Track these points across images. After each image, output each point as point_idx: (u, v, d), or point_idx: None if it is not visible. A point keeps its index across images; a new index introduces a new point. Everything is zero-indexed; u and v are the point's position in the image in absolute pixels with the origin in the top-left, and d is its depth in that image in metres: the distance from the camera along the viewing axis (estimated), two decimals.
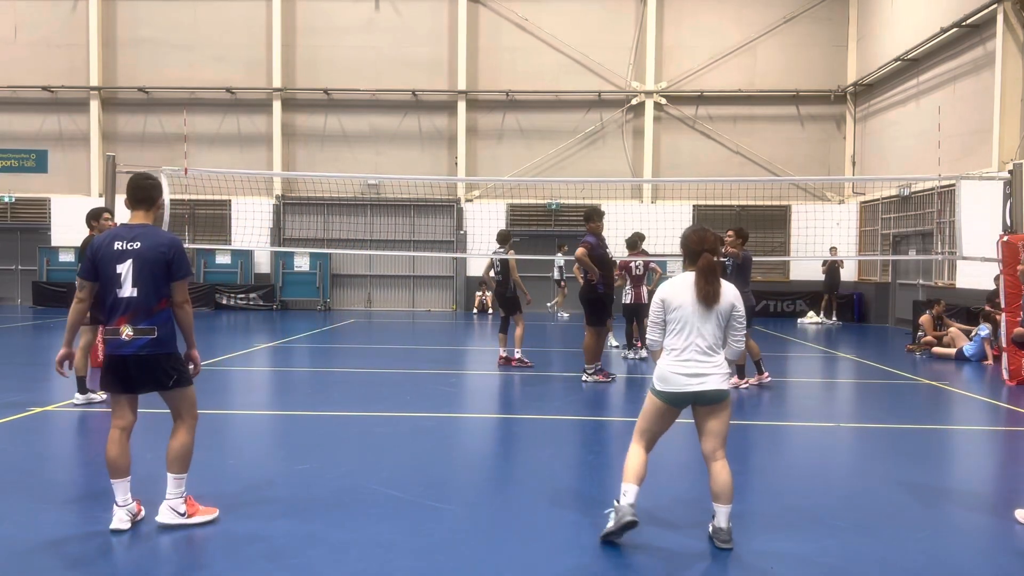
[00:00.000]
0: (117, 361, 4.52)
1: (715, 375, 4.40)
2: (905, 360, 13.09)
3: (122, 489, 4.56)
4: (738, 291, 4.55)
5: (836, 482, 5.91)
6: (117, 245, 4.53)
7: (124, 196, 4.84)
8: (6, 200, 23.20)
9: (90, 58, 22.79)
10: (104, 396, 7.82)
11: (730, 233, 9.92)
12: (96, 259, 4.55)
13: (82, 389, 8.19)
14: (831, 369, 12.77)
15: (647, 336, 4.63)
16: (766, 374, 10.00)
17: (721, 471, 4.46)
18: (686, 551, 4.45)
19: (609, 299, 10.39)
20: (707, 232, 4.49)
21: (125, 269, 4.48)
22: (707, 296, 4.36)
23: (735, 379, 9.88)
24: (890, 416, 8.68)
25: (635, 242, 12.87)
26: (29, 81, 22.80)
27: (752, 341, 9.98)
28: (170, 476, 4.63)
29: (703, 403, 4.48)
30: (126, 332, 4.48)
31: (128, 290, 4.48)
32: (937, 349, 13.38)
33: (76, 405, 8.03)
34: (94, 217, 8.17)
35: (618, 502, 4.49)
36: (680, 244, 4.59)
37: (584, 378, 10.17)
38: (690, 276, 4.46)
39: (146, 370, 4.52)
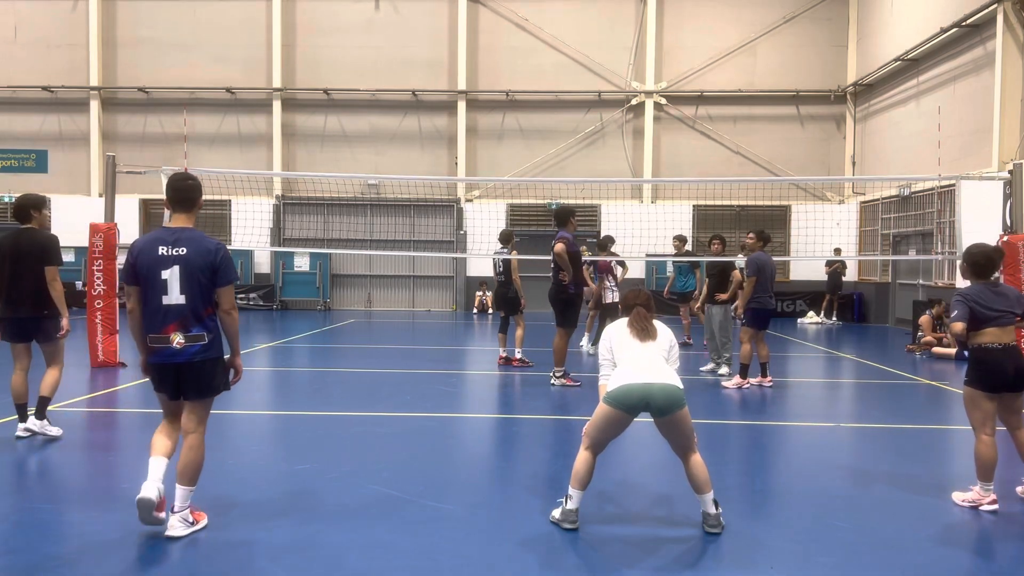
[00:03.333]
0: (168, 369, 4.45)
1: (666, 375, 4.63)
2: (905, 360, 13.09)
3: (157, 466, 4.46)
4: (669, 331, 5.00)
5: (836, 482, 5.90)
6: (161, 250, 4.41)
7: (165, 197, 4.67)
8: (6, 200, 23.19)
9: (90, 58, 22.78)
10: (59, 432, 6.77)
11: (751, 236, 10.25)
12: (138, 263, 4.43)
13: (22, 417, 6.70)
14: (831, 369, 12.77)
15: (600, 373, 4.95)
16: (768, 378, 9.98)
17: (694, 466, 4.68)
18: (687, 546, 4.46)
19: (580, 299, 10.27)
20: (642, 292, 5.04)
21: (171, 275, 4.38)
22: (641, 333, 4.83)
23: (737, 379, 9.91)
24: (890, 416, 8.68)
25: (606, 244, 13.55)
26: (29, 81, 22.79)
27: (764, 345, 10.00)
28: (181, 488, 4.50)
29: (657, 410, 4.58)
30: (177, 340, 4.40)
31: (176, 297, 4.39)
32: (937, 349, 13.38)
33: (19, 437, 6.64)
34: (35, 207, 6.71)
35: (564, 504, 4.73)
36: (620, 300, 5.30)
37: (552, 381, 9.94)
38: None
39: (196, 376, 4.48)
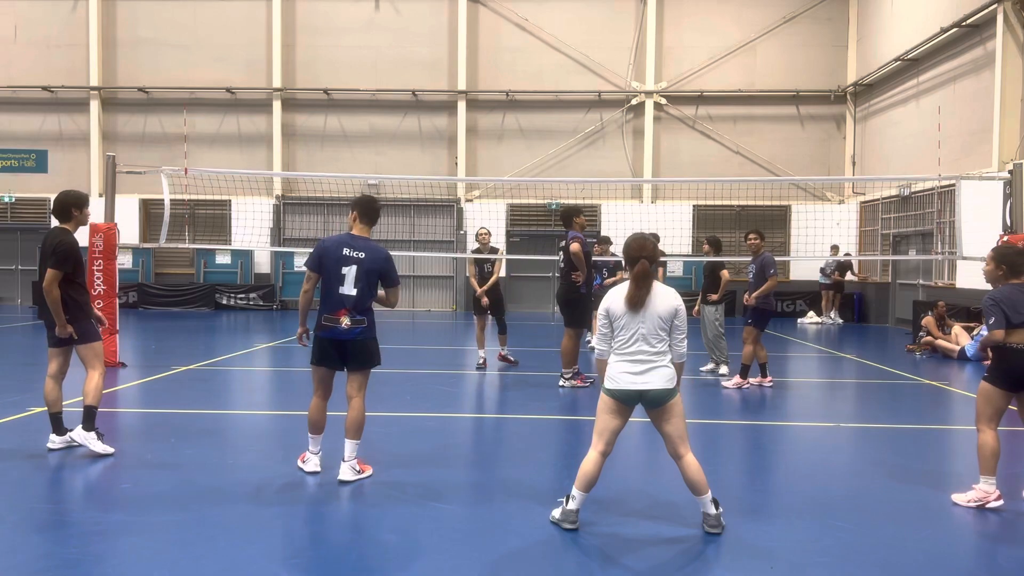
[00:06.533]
0: (336, 344, 5.63)
1: (659, 376, 4.55)
2: (905, 360, 13.09)
3: (315, 441, 5.80)
4: (678, 295, 4.67)
5: (837, 482, 5.90)
6: (345, 251, 5.60)
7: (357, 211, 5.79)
8: (6, 200, 23.19)
9: (90, 58, 22.77)
10: (109, 450, 6.23)
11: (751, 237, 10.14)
12: (325, 258, 5.58)
13: (59, 429, 6.28)
14: (831, 369, 12.76)
15: (596, 346, 4.78)
16: (769, 378, 9.97)
17: (688, 467, 4.62)
18: (687, 546, 4.46)
19: (590, 300, 9.96)
20: (647, 240, 4.69)
21: (350, 272, 5.56)
22: (633, 300, 4.53)
23: (737, 378, 9.89)
24: (890, 416, 8.67)
25: (607, 243, 13.69)
26: (29, 81, 22.78)
27: (761, 346, 9.98)
28: (349, 442, 5.62)
29: (650, 405, 4.61)
30: (345, 322, 5.57)
31: (350, 289, 5.55)
32: (940, 341, 13.28)
33: (51, 450, 6.24)
34: (76, 204, 6.25)
35: (565, 503, 4.71)
36: (622, 251, 4.77)
37: (560, 383, 9.80)
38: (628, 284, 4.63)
39: (359, 351, 5.67)
